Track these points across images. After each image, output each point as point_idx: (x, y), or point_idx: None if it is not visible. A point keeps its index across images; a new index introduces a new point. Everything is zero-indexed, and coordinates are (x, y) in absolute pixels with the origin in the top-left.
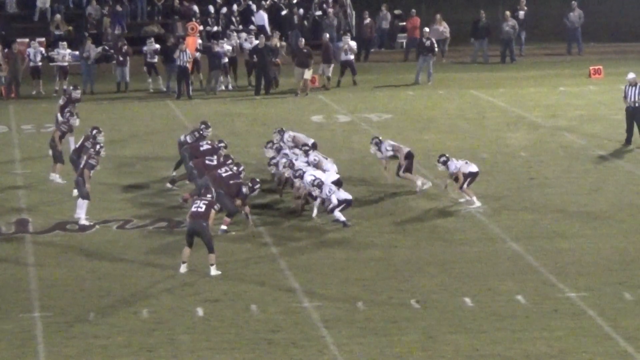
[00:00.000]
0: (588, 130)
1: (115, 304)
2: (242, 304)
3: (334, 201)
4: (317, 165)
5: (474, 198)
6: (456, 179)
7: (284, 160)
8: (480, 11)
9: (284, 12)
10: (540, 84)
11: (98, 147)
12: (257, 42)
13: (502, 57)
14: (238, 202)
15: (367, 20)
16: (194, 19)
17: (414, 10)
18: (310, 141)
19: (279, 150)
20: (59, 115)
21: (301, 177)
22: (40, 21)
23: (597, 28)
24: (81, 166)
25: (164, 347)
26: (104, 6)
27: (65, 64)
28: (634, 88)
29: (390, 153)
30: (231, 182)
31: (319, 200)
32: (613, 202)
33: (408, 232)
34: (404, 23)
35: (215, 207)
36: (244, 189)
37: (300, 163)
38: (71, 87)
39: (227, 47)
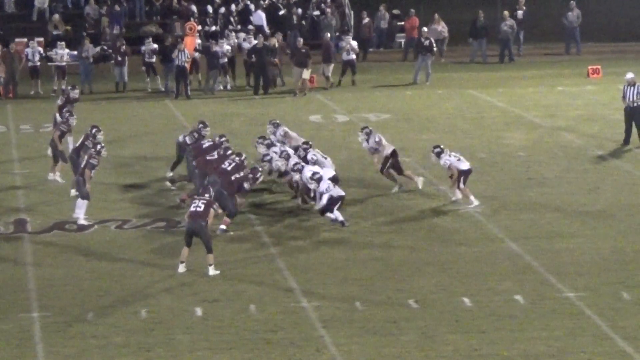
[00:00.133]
0: (586, 130)
1: (113, 304)
2: (240, 303)
3: (324, 201)
4: (315, 164)
5: (472, 197)
6: (451, 176)
7: (277, 150)
8: (479, 11)
9: (281, 12)
10: (538, 84)
11: (99, 146)
12: (255, 42)
13: (500, 57)
14: (240, 200)
15: (366, 20)
16: (192, 19)
17: (412, 10)
18: (301, 140)
19: (269, 146)
20: (57, 115)
21: (300, 171)
22: (39, 21)
23: (596, 28)
24: (82, 166)
25: (163, 347)
26: (102, 6)
27: (64, 63)
28: (632, 88)
29: (376, 146)
30: (233, 178)
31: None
32: (611, 201)
33: (406, 232)
34: (403, 23)
35: (215, 207)
36: (246, 185)
37: (295, 159)
38: (69, 87)
39: (226, 47)
